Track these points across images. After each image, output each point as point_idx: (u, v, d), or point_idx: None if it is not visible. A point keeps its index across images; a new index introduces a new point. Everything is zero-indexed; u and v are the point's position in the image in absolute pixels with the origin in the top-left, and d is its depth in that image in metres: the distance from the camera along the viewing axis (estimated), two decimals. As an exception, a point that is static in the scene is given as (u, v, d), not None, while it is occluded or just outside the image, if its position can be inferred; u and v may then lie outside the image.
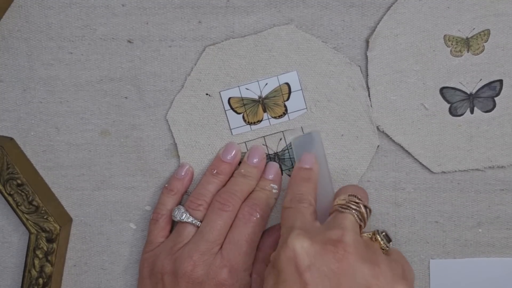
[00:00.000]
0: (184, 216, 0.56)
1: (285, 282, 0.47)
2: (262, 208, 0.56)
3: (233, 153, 0.58)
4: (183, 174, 0.59)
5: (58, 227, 0.57)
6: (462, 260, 0.60)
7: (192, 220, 0.56)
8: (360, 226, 0.51)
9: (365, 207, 0.51)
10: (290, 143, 0.59)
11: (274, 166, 0.58)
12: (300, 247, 0.47)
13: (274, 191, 0.58)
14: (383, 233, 0.50)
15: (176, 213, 0.56)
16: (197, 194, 0.57)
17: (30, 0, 0.58)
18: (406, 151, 0.59)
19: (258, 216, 0.56)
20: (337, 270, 0.46)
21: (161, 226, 0.58)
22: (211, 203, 0.56)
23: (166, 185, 0.59)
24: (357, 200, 0.51)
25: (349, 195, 0.52)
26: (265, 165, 0.59)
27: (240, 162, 0.59)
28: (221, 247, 0.55)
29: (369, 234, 0.51)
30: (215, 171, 0.58)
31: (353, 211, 0.50)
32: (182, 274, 0.53)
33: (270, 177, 0.58)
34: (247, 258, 0.55)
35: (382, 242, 0.50)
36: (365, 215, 0.51)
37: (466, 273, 0.60)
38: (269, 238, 0.58)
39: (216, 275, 0.54)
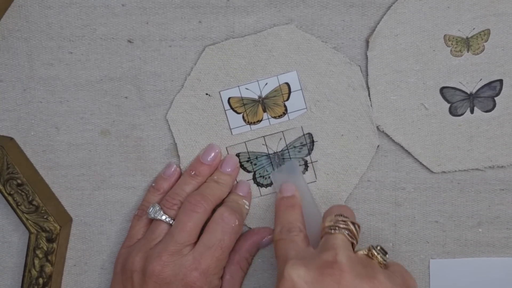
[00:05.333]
0: (158, 213, 0.56)
1: None
2: (240, 218, 0.56)
3: (212, 155, 0.58)
4: (170, 173, 0.59)
5: (58, 227, 0.57)
6: (462, 260, 0.60)
7: (165, 218, 0.56)
8: (353, 243, 0.51)
9: (353, 223, 0.51)
10: (287, 145, 0.59)
11: (246, 184, 0.59)
12: (297, 276, 0.47)
13: (246, 206, 0.58)
14: (378, 248, 0.51)
15: (151, 210, 0.56)
16: (173, 194, 0.57)
17: (30, 0, 0.58)
18: (406, 151, 0.59)
19: (237, 223, 0.56)
20: None
21: (143, 222, 0.58)
22: (182, 204, 0.56)
23: (153, 184, 0.59)
24: (344, 219, 0.51)
25: (335, 216, 0.52)
26: (238, 182, 0.59)
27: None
28: (193, 247, 0.55)
29: (365, 251, 0.51)
30: (194, 172, 0.58)
31: (342, 230, 0.51)
32: (150, 273, 0.53)
33: (241, 194, 0.58)
34: (219, 263, 0.55)
35: (379, 257, 0.50)
36: (355, 231, 0.51)
37: (466, 273, 0.60)
38: (246, 241, 0.58)
39: (185, 276, 0.54)
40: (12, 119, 0.59)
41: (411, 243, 0.60)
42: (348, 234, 0.51)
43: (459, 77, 0.58)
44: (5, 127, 0.59)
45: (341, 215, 0.52)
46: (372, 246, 0.51)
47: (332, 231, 0.51)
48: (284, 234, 0.53)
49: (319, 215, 0.56)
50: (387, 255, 0.51)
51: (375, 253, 0.50)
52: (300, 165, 0.59)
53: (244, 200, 0.58)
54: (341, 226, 0.51)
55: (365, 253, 0.51)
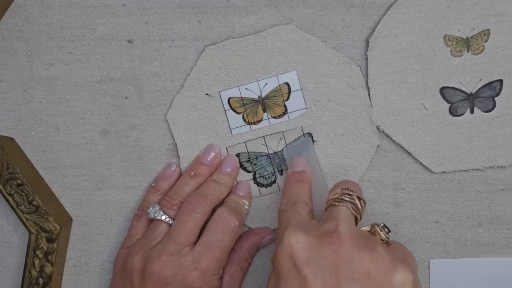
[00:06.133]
0: (157, 214, 0.56)
1: (285, 279, 0.47)
2: (239, 218, 0.56)
3: (212, 155, 0.58)
4: (170, 174, 0.59)
5: (58, 227, 0.57)
6: (462, 260, 0.60)
7: (165, 218, 0.56)
8: (356, 218, 0.51)
9: (359, 198, 0.51)
10: (287, 145, 0.59)
11: (246, 184, 0.59)
12: (295, 242, 0.47)
13: (246, 207, 0.58)
14: (382, 225, 0.51)
15: (150, 210, 0.56)
16: (172, 194, 0.57)
17: (30, 0, 0.58)
18: (406, 151, 0.59)
19: (237, 223, 0.55)
20: (335, 260, 0.46)
21: (143, 222, 0.58)
22: (182, 204, 0.56)
23: (153, 184, 0.59)
24: (350, 192, 0.52)
25: (341, 189, 0.52)
26: (237, 182, 0.59)
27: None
28: (193, 248, 0.55)
29: (368, 227, 0.51)
30: (193, 172, 0.58)
31: (347, 203, 0.51)
32: (150, 273, 0.53)
33: (241, 194, 0.58)
34: (219, 263, 0.55)
35: (382, 233, 0.50)
36: (359, 206, 0.51)
37: (466, 273, 0.60)
38: (246, 241, 0.58)
39: (184, 276, 0.53)
40: (12, 119, 0.59)
41: (411, 243, 0.60)
42: (352, 207, 0.51)
43: (459, 77, 0.58)
44: (5, 127, 0.59)
45: (348, 189, 0.52)
46: (376, 223, 0.51)
47: (336, 203, 0.51)
48: (289, 206, 0.53)
49: (327, 191, 0.56)
50: (390, 233, 0.51)
51: (378, 230, 0.50)
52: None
53: (244, 200, 0.58)
54: (346, 199, 0.51)
55: (368, 229, 0.51)
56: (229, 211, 0.56)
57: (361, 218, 0.51)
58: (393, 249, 0.49)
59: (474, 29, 0.57)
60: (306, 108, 0.58)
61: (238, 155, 0.59)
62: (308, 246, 0.47)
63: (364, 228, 0.51)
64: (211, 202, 0.56)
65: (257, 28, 0.58)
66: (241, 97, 0.58)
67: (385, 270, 0.46)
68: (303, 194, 0.54)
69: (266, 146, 0.59)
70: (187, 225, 0.55)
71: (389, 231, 0.51)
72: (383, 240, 0.50)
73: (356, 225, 0.51)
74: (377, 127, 0.58)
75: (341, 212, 0.50)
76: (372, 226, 0.51)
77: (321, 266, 0.46)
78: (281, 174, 0.59)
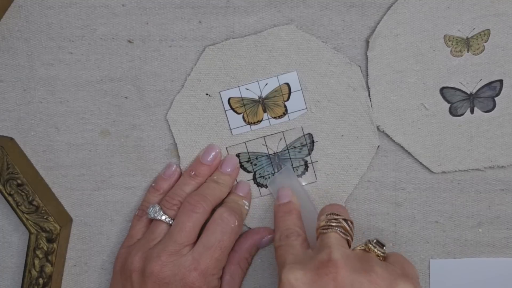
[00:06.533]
0: (157, 214, 0.56)
1: None
2: (239, 218, 0.56)
3: (212, 156, 0.58)
4: (170, 174, 0.59)
5: (58, 227, 0.57)
6: (462, 260, 0.60)
7: (165, 218, 0.56)
8: (348, 240, 0.51)
9: (345, 220, 0.52)
10: (288, 145, 0.59)
11: (246, 185, 0.59)
12: (294, 279, 0.48)
13: (246, 207, 0.58)
14: (374, 241, 0.51)
15: (150, 210, 0.56)
16: (172, 194, 0.57)
17: (30, 0, 0.58)
18: (406, 151, 0.59)
19: (237, 223, 0.56)
20: None
21: (143, 223, 0.58)
22: (182, 205, 0.56)
23: (153, 184, 0.59)
24: (335, 217, 0.52)
25: (326, 215, 0.52)
26: (237, 182, 0.59)
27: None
28: (193, 248, 0.55)
29: (362, 246, 0.51)
30: (193, 172, 0.58)
31: (335, 228, 0.51)
32: (149, 273, 0.53)
33: (241, 194, 0.58)
34: (218, 263, 0.55)
35: (376, 250, 0.50)
36: (348, 228, 0.51)
37: (466, 273, 0.60)
38: (246, 241, 0.58)
39: (184, 276, 0.54)
40: (12, 119, 0.59)
41: (411, 243, 0.60)
42: (341, 231, 0.51)
43: (459, 77, 0.58)
44: (5, 127, 0.59)
45: (333, 214, 0.52)
46: (369, 240, 0.51)
47: (325, 230, 0.51)
48: (283, 240, 0.53)
49: (317, 216, 0.57)
50: (384, 247, 0.51)
51: (372, 247, 0.50)
52: (300, 166, 0.59)
53: (244, 201, 0.58)
54: (333, 224, 0.51)
55: (362, 248, 0.51)
56: (228, 211, 0.56)
57: (352, 239, 0.52)
58: (391, 264, 0.49)
59: (474, 29, 0.57)
60: (307, 108, 0.58)
61: (238, 155, 0.59)
62: (307, 281, 0.47)
63: (358, 248, 0.51)
64: (211, 202, 0.56)
65: (257, 28, 0.58)
66: (241, 97, 0.58)
67: None
68: (294, 225, 0.54)
69: (266, 146, 0.59)
70: (186, 225, 0.55)
71: (383, 245, 0.51)
72: (379, 256, 0.50)
73: (350, 246, 0.51)
74: (377, 127, 0.58)
75: (331, 239, 0.50)
76: (366, 244, 0.51)
77: None
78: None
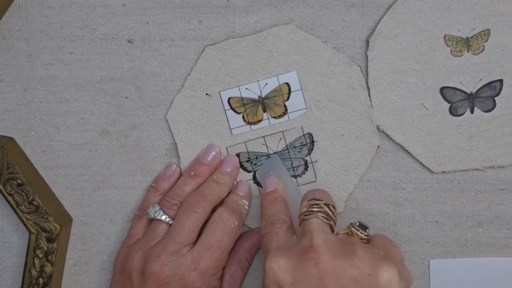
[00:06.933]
0: (157, 214, 0.56)
1: None
2: (239, 218, 0.56)
3: (212, 155, 0.58)
4: (170, 174, 0.59)
5: (58, 227, 0.57)
6: (462, 260, 0.60)
7: (165, 218, 0.56)
8: (330, 225, 0.51)
9: (327, 205, 0.52)
10: (287, 145, 0.59)
11: (246, 184, 0.59)
12: (277, 267, 0.48)
13: (246, 207, 0.58)
14: (357, 224, 0.51)
15: (150, 210, 0.57)
16: (172, 194, 0.57)
17: (30, 0, 0.58)
18: (406, 151, 0.59)
19: (236, 223, 0.56)
20: (319, 274, 0.46)
21: (143, 222, 0.58)
22: (182, 204, 0.56)
23: (153, 184, 0.59)
24: (317, 202, 0.52)
25: (308, 201, 0.52)
26: (237, 182, 0.59)
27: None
28: (192, 248, 0.55)
29: (345, 230, 0.51)
30: (193, 172, 0.58)
31: (317, 213, 0.51)
32: (149, 273, 0.53)
33: (241, 194, 0.58)
34: (218, 263, 0.55)
35: (359, 233, 0.51)
36: (330, 213, 0.51)
37: (466, 273, 0.60)
38: (246, 241, 0.58)
39: (183, 276, 0.54)
40: (12, 119, 0.59)
41: (411, 243, 0.60)
42: (322, 216, 0.51)
43: (459, 77, 0.58)
44: (5, 127, 0.59)
45: (314, 199, 0.52)
46: (352, 223, 0.51)
47: (307, 216, 0.51)
48: (268, 228, 0.53)
49: None
50: (367, 230, 0.51)
51: (354, 230, 0.51)
52: (300, 165, 0.59)
53: (244, 201, 0.58)
54: (315, 210, 0.51)
55: (346, 231, 0.51)
56: (228, 211, 0.56)
57: (335, 223, 0.52)
58: (374, 247, 0.50)
59: (474, 29, 0.57)
60: (306, 108, 0.58)
61: (238, 155, 0.59)
62: (290, 268, 0.47)
63: (341, 232, 0.51)
64: (210, 202, 0.56)
65: (257, 28, 0.58)
66: (241, 97, 0.58)
67: (368, 271, 0.47)
68: (279, 212, 0.54)
69: (266, 146, 0.59)
70: (186, 225, 0.55)
71: (366, 228, 0.51)
72: (362, 239, 0.50)
73: (333, 231, 0.51)
74: (377, 127, 0.58)
75: (313, 225, 0.50)
76: (349, 227, 0.51)
77: (307, 283, 0.47)
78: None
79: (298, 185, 0.59)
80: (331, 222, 0.51)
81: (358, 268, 0.47)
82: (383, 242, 0.51)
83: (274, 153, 0.59)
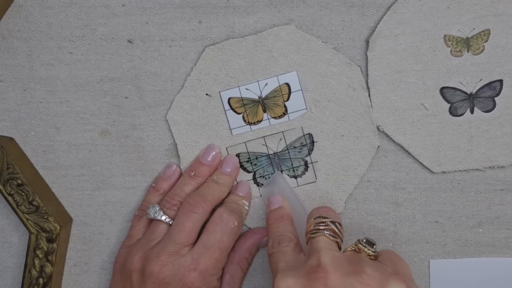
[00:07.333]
0: (157, 214, 0.56)
1: None
2: (239, 218, 0.56)
3: (211, 156, 0.58)
4: (170, 174, 0.59)
5: (58, 227, 0.57)
6: (462, 260, 0.60)
7: (165, 218, 0.56)
8: (337, 242, 0.51)
9: (333, 222, 0.52)
10: (287, 145, 0.59)
11: (246, 184, 0.59)
12: (286, 287, 0.47)
13: (245, 207, 0.58)
14: (364, 240, 0.51)
15: (150, 211, 0.57)
16: (172, 195, 0.57)
17: (30, 0, 0.58)
18: (406, 151, 0.59)
19: (236, 224, 0.56)
20: None
21: (144, 223, 0.58)
22: (181, 205, 0.56)
23: (153, 184, 0.59)
24: (323, 220, 0.52)
25: (314, 219, 0.52)
26: (237, 182, 0.59)
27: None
28: (192, 248, 0.55)
29: (352, 247, 0.51)
30: (193, 173, 0.58)
31: (323, 231, 0.51)
32: (149, 273, 0.53)
33: (241, 194, 0.58)
34: (218, 264, 0.55)
35: (366, 249, 0.50)
36: (336, 230, 0.51)
37: (466, 273, 0.60)
38: (246, 241, 0.58)
39: (183, 277, 0.54)
40: (12, 119, 0.59)
41: (411, 243, 0.60)
42: (329, 234, 0.51)
43: (459, 77, 0.58)
44: (5, 127, 0.59)
45: (320, 217, 0.52)
46: (359, 240, 0.51)
47: (314, 235, 0.51)
48: (275, 247, 0.53)
49: None
50: (374, 246, 0.51)
51: (362, 247, 0.50)
52: (300, 166, 0.59)
53: (243, 201, 0.58)
54: (322, 228, 0.51)
55: (353, 248, 0.51)
56: (228, 212, 0.56)
57: (342, 241, 0.52)
58: (382, 263, 0.50)
59: (474, 29, 0.57)
60: (306, 108, 0.58)
61: (238, 155, 0.59)
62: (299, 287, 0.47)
63: (349, 249, 0.51)
64: (210, 203, 0.56)
65: (257, 28, 0.58)
66: (241, 97, 0.58)
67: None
68: (286, 231, 0.54)
69: (266, 146, 0.59)
70: (186, 225, 0.55)
71: (374, 244, 0.51)
72: (370, 256, 0.50)
73: (340, 248, 0.51)
74: (377, 127, 0.58)
75: (320, 243, 0.50)
76: (356, 244, 0.51)
77: None
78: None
79: (298, 185, 0.59)
80: (338, 240, 0.51)
81: (367, 285, 0.46)
82: (391, 258, 0.51)
83: (274, 153, 0.59)
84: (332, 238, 0.51)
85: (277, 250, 0.53)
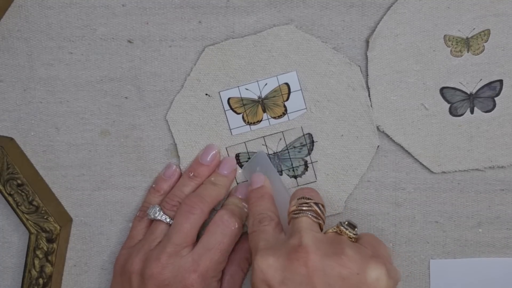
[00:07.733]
0: (158, 214, 0.56)
1: None
2: (239, 221, 0.56)
3: (210, 156, 0.58)
4: (170, 174, 0.59)
5: (58, 227, 0.57)
6: (462, 260, 0.60)
7: (165, 218, 0.56)
8: (319, 224, 0.51)
9: (316, 204, 0.52)
10: (287, 145, 0.59)
11: (246, 187, 0.59)
12: (266, 266, 0.48)
13: (246, 210, 0.58)
14: (346, 223, 0.51)
15: (150, 211, 0.57)
16: (172, 195, 0.57)
17: (30, 0, 0.58)
18: (406, 151, 0.59)
19: (237, 226, 0.56)
20: (307, 273, 0.47)
21: (144, 224, 0.58)
22: (180, 206, 0.56)
23: (153, 185, 0.59)
24: (306, 201, 0.52)
25: (297, 199, 0.52)
26: (238, 185, 0.59)
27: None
28: (192, 249, 0.55)
29: (334, 229, 0.51)
30: (192, 173, 0.58)
31: (306, 212, 0.51)
32: (149, 275, 0.53)
33: (241, 196, 0.58)
34: (218, 266, 0.55)
35: (347, 232, 0.51)
36: (319, 211, 0.52)
37: (466, 273, 0.60)
38: (247, 242, 0.58)
39: (183, 278, 0.54)
40: (12, 119, 0.59)
41: (411, 243, 0.60)
42: (312, 215, 0.51)
43: (459, 77, 0.58)
44: (5, 127, 0.59)
45: (304, 198, 0.52)
46: (341, 222, 0.51)
47: (296, 215, 0.51)
48: (256, 226, 0.53)
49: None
50: (356, 229, 0.51)
51: (343, 229, 0.51)
52: (300, 165, 0.59)
53: (244, 203, 0.58)
54: (304, 208, 0.51)
55: (334, 230, 0.51)
56: (229, 214, 0.56)
57: (324, 222, 0.52)
58: (362, 246, 0.50)
59: (474, 29, 0.57)
60: (306, 108, 0.58)
61: (238, 155, 0.59)
62: (279, 267, 0.48)
63: (330, 231, 0.51)
64: (208, 204, 0.56)
65: (257, 28, 0.58)
66: (241, 97, 0.58)
67: (357, 270, 0.47)
68: (267, 209, 0.54)
69: (266, 146, 0.59)
70: (184, 226, 0.55)
71: (355, 227, 0.51)
72: (351, 238, 0.51)
73: (322, 230, 0.52)
74: (377, 127, 0.58)
75: (302, 223, 0.50)
76: (338, 226, 0.51)
77: (296, 282, 0.47)
78: (281, 174, 0.59)
79: (298, 185, 0.59)
80: (320, 221, 0.52)
81: (347, 267, 0.47)
82: (371, 241, 0.51)
83: (274, 153, 0.59)
84: (314, 219, 0.51)
85: (257, 228, 0.53)
